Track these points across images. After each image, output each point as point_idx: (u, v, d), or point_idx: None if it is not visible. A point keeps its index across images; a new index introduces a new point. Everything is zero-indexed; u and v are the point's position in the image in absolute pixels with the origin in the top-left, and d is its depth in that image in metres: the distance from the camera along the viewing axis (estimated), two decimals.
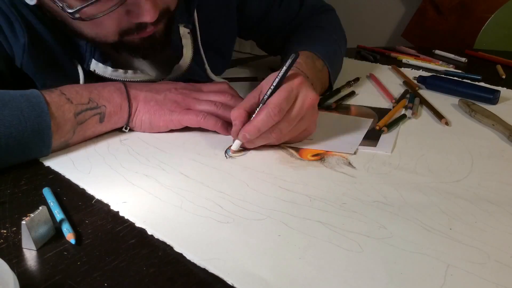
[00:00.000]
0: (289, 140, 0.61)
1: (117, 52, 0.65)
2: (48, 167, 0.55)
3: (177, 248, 0.41)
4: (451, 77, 0.90)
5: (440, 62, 1.04)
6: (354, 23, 2.17)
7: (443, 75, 0.92)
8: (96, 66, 0.67)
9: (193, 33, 0.75)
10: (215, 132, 0.65)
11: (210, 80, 0.80)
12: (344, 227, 0.44)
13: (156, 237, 0.43)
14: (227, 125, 0.63)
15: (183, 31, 0.74)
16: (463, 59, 1.07)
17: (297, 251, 0.41)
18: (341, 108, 0.77)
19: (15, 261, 0.40)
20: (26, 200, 0.49)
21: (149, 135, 0.64)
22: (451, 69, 0.99)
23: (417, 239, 0.42)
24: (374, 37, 2.08)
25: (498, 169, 0.56)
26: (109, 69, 0.68)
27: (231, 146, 0.60)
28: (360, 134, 0.65)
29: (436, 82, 0.84)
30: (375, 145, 0.62)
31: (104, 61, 0.68)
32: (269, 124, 0.56)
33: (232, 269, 0.39)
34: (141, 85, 0.66)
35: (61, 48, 0.66)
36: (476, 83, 0.87)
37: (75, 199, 0.49)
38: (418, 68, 1.01)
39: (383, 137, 0.64)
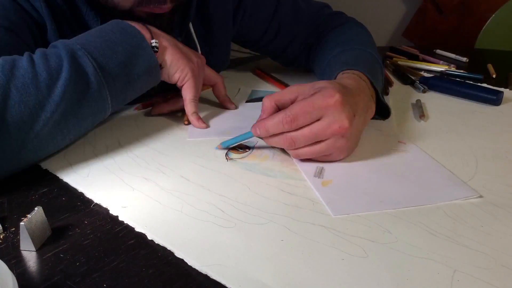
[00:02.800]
0: (313, 158, 0.56)
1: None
2: (46, 170, 0.55)
3: (178, 254, 0.40)
4: (454, 78, 0.89)
5: (441, 62, 1.03)
6: None
7: (445, 76, 0.91)
8: None
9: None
10: (214, 134, 0.64)
11: None
12: (348, 232, 0.43)
13: (156, 242, 0.42)
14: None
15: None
16: (464, 59, 1.07)
17: (301, 256, 0.40)
18: None
19: (14, 261, 0.40)
20: (25, 200, 0.49)
21: (147, 137, 0.64)
22: (452, 69, 0.98)
23: (422, 244, 0.42)
24: (374, 36, 2.07)
25: (503, 171, 0.55)
26: None
27: (232, 148, 0.60)
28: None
29: (439, 83, 0.83)
30: None
31: None
32: (278, 129, 0.53)
33: (235, 275, 0.38)
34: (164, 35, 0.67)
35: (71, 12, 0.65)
36: (485, 84, 0.86)
37: (73, 200, 0.49)
38: (419, 70, 1.00)
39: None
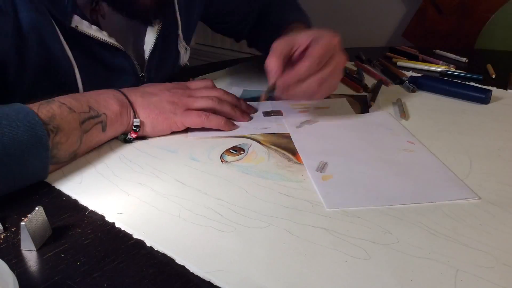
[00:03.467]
0: (314, 96, 0.64)
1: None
2: None
3: (179, 261, 0.40)
4: (443, 78, 0.90)
5: (440, 62, 1.03)
6: (354, 23, 2.17)
7: (434, 76, 0.92)
8: (80, 23, 0.63)
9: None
10: (207, 136, 0.63)
11: (162, 69, 0.80)
12: (349, 234, 0.43)
13: (156, 249, 0.41)
14: (230, 122, 0.66)
15: None
16: (464, 59, 1.07)
17: (303, 259, 0.40)
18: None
19: (15, 261, 0.40)
20: (25, 200, 0.49)
21: (140, 141, 0.62)
22: (451, 69, 0.99)
23: (423, 244, 0.42)
24: (374, 37, 2.08)
25: (497, 169, 0.55)
26: (94, 27, 0.64)
27: (226, 150, 0.59)
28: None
29: (427, 83, 0.84)
30: None
31: (85, 18, 0.63)
32: (309, 72, 0.61)
33: (238, 280, 0.37)
34: (134, 90, 0.64)
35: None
36: (472, 83, 0.86)
37: (72, 200, 0.49)
38: (419, 71, 1.00)
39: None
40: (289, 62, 0.64)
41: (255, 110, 0.73)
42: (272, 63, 0.61)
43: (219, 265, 0.39)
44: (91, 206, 0.48)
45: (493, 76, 0.95)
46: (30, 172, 0.50)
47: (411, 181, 0.52)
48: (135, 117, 0.61)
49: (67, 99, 0.55)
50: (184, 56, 0.81)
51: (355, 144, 0.62)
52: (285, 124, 0.68)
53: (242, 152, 0.60)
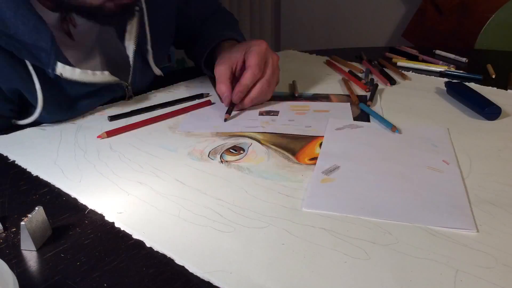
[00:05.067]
0: (268, 95, 0.76)
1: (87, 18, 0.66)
2: (37, 177, 0.53)
3: (179, 261, 0.40)
4: (461, 83, 0.84)
5: (440, 62, 1.03)
6: (354, 23, 2.18)
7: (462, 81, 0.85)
8: (63, 69, 0.63)
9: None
10: (207, 136, 0.64)
11: (147, 73, 0.80)
12: (349, 234, 0.43)
13: (155, 250, 0.41)
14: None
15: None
16: (464, 59, 1.07)
17: (303, 260, 0.40)
18: (321, 97, 0.81)
19: (15, 261, 0.40)
20: (25, 200, 0.49)
21: (139, 140, 0.62)
22: (451, 69, 0.99)
23: (423, 244, 0.42)
24: (374, 37, 2.08)
25: (497, 169, 0.55)
26: (77, 70, 0.65)
27: (225, 150, 0.59)
28: None
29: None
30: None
31: (68, 62, 0.64)
32: (253, 80, 0.72)
33: (237, 281, 0.37)
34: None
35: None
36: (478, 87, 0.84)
37: (72, 199, 0.49)
38: (419, 71, 0.99)
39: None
40: (234, 79, 0.75)
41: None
42: (222, 88, 0.72)
43: (218, 265, 0.39)
44: (91, 205, 0.48)
45: (493, 76, 0.95)
46: None
47: (414, 200, 0.48)
48: None
49: None
50: (155, 69, 0.81)
51: (384, 155, 0.58)
52: (327, 124, 0.68)
53: (242, 152, 0.60)
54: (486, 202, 0.48)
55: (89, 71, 0.67)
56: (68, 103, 0.69)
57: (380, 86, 0.86)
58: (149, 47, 0.78)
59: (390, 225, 0.44)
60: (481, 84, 0.86)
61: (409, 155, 0.59)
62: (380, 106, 0.76)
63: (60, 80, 0.65)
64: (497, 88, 0.86)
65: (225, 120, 0.69)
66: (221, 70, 0.73)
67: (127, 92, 0.76)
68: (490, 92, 0.81)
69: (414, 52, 1.12)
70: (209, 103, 0.77)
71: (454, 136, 0.64)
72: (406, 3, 1.98)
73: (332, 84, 0.88)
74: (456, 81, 0.85)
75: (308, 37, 2.41)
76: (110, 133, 0.63)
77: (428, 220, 0.45)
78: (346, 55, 1.07)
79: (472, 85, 0.85)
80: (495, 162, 0.57)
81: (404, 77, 0.92)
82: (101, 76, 0.69)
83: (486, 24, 1.58)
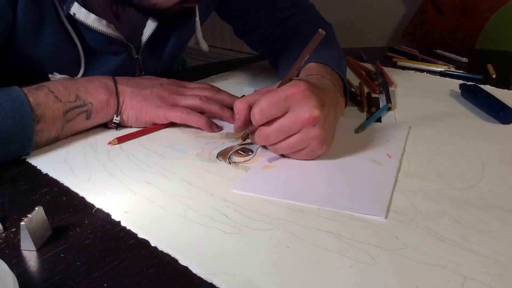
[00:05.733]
0: (291, 156, 0.56)
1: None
2: (46, 174, 0.54)
3: (182, 261, 0.39)
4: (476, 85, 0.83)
5: (439, 62, 1.02)
6: (354, 23, 2.16)
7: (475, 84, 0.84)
8: (78, 10, 0.63)
9: None
10: (216, 137, 0.64)
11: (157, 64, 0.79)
12: (355, 238, 0.43)
13: (160, 249, 0.41)
14: (211, 123, 0.65)
15: None
16: (464, 59, 1.06)
17: (308, 263, 0.39)
18: None
19: (15, 261, 0.40)
20: (25, 200, 0.49)
21: (149, 140, 0.63)
22: (451, 69, 0.98)
23: (431, 250, 0.41)
24: (374, 37, 2.07)
25: (509, 175, 0.54)
26: (92, 16, 0.65)
27: (234, 151, 0.59)
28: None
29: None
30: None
31: (86, 6, 0.64)
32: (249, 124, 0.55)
33: (240, 283, 0.37)
34: (128, 80, 0.66)
35: None
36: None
37: (74, 199, 0.49)
38: (419, 71, 0.99)
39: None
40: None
41: None
42: (237, 106, 0.56)
43: (221, 267, 0.39)
44: (98, 204, 0.48)
45: (494, 76, 0.94)
46: (12, 151, 0.55)
47: (342, 188, 0.51)
48: (117, 109, 0.63)
49: (56, 87, 0.59)
50: (203, 43, 0.80)
51: (334, 147, 0.58)
52: None
53: (250, 153, 0.59)
54: (497, 208, 0.47)
55: (104, 21, 0.66)
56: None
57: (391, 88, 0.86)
58: (197, 19, 0.75)
59: (398, 229, 0.44)
60: (481, 84, 0.85)
61: (358, 148, 0.60)
62: (392, 109, 0.75)
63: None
64: (497, 88, 0.84)
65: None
66: (258, 92, 0.58)
67: (137, 65, 0.75)
68: (506, 96, 0.79)
69: (413, 52, 1.12)
70: None
71: (467, 140, 0.63)
72: (406, 3, 1.96)
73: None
74: (471, 83, 0.84)
75: None
76: (121, 139, 0.62)
77: (344, 206, 0.47)
78: (346, 55, 1.07)
79: (487, 87, 0.83)
80: (508, 168, 0.56)
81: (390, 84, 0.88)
82: (115, 31, 0.68)
83: (486, 24, 1.57)
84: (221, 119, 0.68)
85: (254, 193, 0.50)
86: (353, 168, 0.55)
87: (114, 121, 0.64)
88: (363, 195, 0.49)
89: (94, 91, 0.62)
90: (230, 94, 0.71)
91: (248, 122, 0.55)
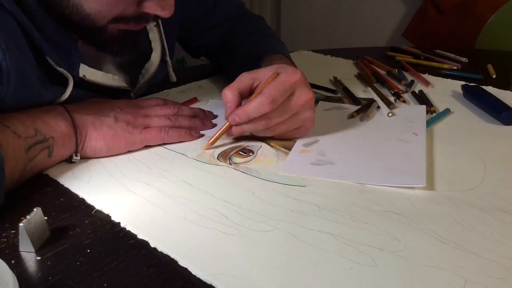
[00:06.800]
0: (284, 135, 0.62)
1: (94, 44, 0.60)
2: (46, 175, 0.54)
3: (182, 262, 0.39)
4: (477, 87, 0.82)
5: (444, 61, 1.02)
6: (354, 23, 2.17)
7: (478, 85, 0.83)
8: (86, 71, 0.61)
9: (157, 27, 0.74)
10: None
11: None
12: (356, 239, 0.42)
13: (159, 250, 0.41)
14: (189, 131, 0.64)
15: (150, 25, 0.72)
16: (464, 59, 1.06)
17: (308, 265, 0.39)
18: (334, 100, 0.80)
19: (15, 261, 0.40)
20: (25, 201, 0.49)
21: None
22: (454, 68, 0.98)
23: (432, 252, 0.41)
24: (374, 37, 2.07)
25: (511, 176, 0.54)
26: (99, 73, 0.63)
27: (235, 152, 0.59)
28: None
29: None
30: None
31: (89, 65, 0.62)
32: (260, 112, 0.57)
33: (240, 285, 0.37)
34: (81, 108, 0.59)
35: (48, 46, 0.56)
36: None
37: (74, 199, 0.49)
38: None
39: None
40: (250, 95, 0.60)
41: (215, 116, 0.72)
42: (228, 95, 0.58)
43: (221, 268, 0.39)
44: (98, 205, 0.48)
45: (494, 76, 0.93)
46: None
47: (378, 165, 0.55)
48: (77, 143, 0.56)
49: (12, 120, 0.50)
50: (172, 77, 0.80)
51: (360, 130, 0.66)
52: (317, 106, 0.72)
53: (251, 154, 0.59)
54: (499, 209, 0.47)
55: (109, 75, 0.65)
56: None
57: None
58: (168, 58, 0.77)
59: (399, 231, 0.43)
60: (481, 84, 0.84)
61: (384, 130, 0.67)
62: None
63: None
64: (497, 88, 0.84)
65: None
66: (241, 76, 0.60)
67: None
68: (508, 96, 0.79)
69: (416, 51, 1.12)
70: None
71: (469, 141, 0.63)
72: (406, 3, 1.96)
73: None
74: (473, 84, 0.84)
75: (308, 37, 2.40)
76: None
77: (383, 180, 0.52)
78: (346, 55, 1.07)
79: (489, 88, 0.83)
80: (510, 169, 0.56)
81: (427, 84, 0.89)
82: (119, 82, 0.67)
83: (486, 24, 1.56)
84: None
85: (301, 174, 0.53)
86: (385, 148, 0.61)
87: (73, 160, 0.56)
88: (401, 169, 0.54)
89: (53, 123, 0.54)
90: (187, 106, 0.71)
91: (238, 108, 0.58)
